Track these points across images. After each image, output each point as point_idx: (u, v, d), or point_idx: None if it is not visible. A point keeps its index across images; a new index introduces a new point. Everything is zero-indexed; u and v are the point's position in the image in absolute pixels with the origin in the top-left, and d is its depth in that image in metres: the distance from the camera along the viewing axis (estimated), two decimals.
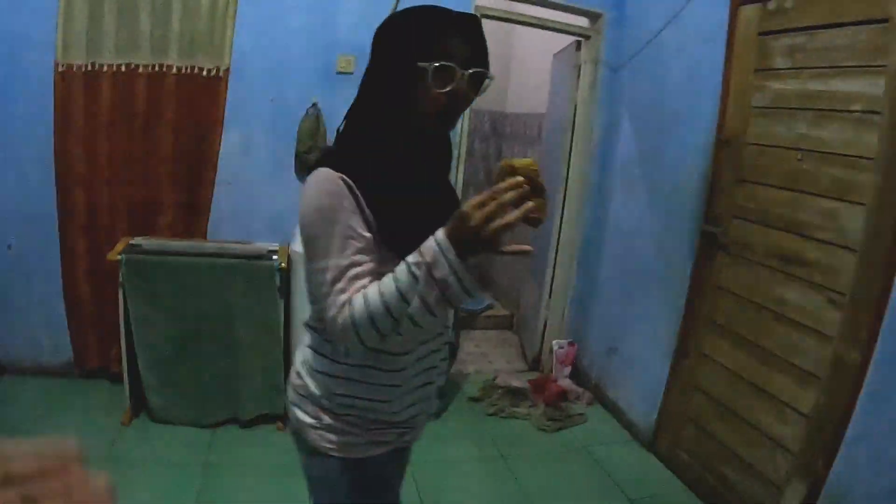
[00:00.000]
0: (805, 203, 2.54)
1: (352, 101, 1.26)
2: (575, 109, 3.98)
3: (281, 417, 3.11)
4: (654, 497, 2.97)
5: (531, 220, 1.03)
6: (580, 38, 3.90)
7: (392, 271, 1.10)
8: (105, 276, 3.14)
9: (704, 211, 3.06)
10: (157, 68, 3.09)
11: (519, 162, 1.05)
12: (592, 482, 3.03)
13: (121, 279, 2.83)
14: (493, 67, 1.24)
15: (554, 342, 3.99)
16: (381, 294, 1.08)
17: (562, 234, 4.10)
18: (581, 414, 3.60)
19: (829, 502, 2.34)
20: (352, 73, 3.37)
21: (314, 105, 3.32)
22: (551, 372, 4.01)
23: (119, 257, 2.81)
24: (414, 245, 1.08)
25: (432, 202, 1.22)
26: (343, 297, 1.12)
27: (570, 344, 4.02)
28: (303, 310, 3.02)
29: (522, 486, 2.92)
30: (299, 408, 1.37)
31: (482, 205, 0.99)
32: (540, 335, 4.24)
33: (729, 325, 2.92)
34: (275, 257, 3.01)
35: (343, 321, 1.12)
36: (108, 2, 3.00)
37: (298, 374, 1.39)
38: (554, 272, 4.17)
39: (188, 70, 3.12)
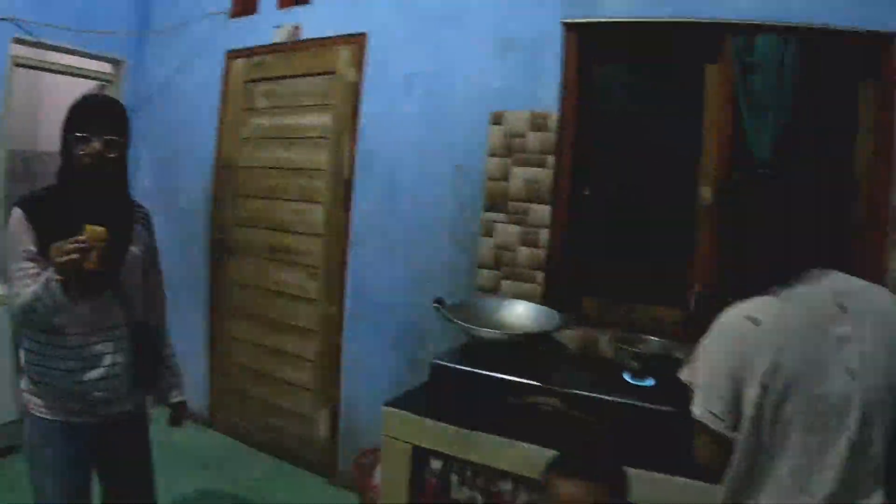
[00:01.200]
0: (283, 207, 3.43)
1: None
2: None
3: None
4: (221, 459, 3.49)
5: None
6: (105, 83, 4.12)
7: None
8: None
9: (212, 222, 3.76)
10: None
11: (87, 234, 1.54)
12: (170, 463, 3.19)
13: None
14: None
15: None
16: (28, 293, 1.61)
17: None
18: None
19: (346, 416, 3.24)
20: None
21: None
22: None
23: None
24: None
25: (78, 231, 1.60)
26: (14, 290, 1.67)
27: None
28: None
29: None
30: (21, 378, 1.82)
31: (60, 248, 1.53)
32: None
33: (244, 308, 3.65)
34: None
35: (13, 307, 1.69)
36: None
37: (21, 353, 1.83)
38: None
39: None
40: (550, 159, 2.58)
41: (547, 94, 2.61)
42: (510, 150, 2.64)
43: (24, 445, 1.85)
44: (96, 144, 1.67)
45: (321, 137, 3.25)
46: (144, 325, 1.89)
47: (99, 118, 1.70)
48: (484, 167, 2.73)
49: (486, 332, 2.23)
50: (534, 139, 2.60)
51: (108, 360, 1.78)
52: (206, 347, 3.85)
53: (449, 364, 2.16)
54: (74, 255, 1.51)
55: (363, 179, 3.11)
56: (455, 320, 2.25)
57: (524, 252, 2.64)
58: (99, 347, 1.77)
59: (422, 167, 2.94)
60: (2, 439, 3.14)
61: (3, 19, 3.48)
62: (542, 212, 2.60)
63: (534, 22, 2.66)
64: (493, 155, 2.69)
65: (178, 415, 2.11)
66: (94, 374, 1.76)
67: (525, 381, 2.03)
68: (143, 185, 4.17)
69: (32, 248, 1.66)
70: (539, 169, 2.59)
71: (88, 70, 4.09)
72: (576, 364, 2.40)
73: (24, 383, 1.81)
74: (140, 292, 1.89)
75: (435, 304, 2.37)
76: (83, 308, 1.71)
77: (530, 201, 2.61)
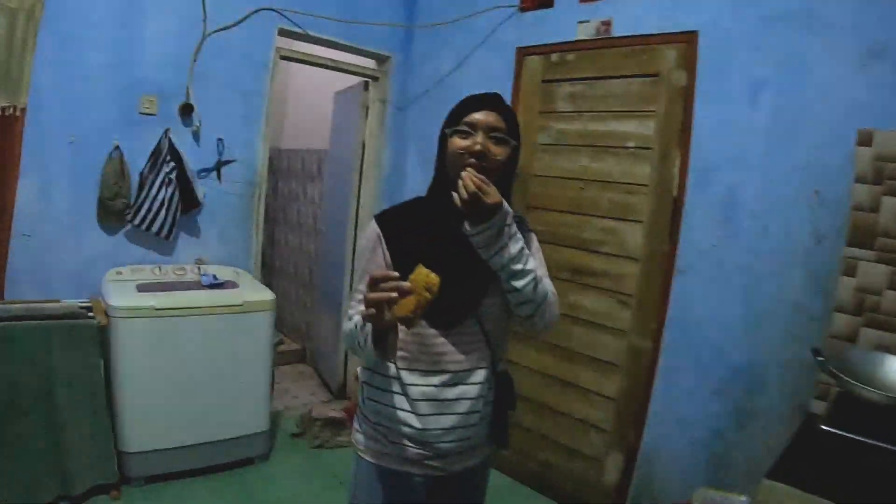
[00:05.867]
0: (589, 224, 3.06)
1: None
2: (363, 147, 4.13)
3: (114, 485, 2.75)
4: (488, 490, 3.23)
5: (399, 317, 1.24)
6: (367, 79, 4.08)
7: None
8: None
9: None
10: None
11: (414, 275, 1.24)
12: None
13: None
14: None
15: (358, 369, 4.09)
16: (349, 325, 1.45)
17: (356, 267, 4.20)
18: None
19: (644, 464, 2.88)
20: (155, 115, 3.14)
21: (116, 148, 3.03)
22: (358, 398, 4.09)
23: None
24: None
25: (438, 255, 1.35)
26: (350, 311, 1.48)
27: None
28: (128, 366, 2.76)
29: None
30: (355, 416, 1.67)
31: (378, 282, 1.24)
32: (342, 364, 4.30)
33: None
34: (90, 314, 2.73)
35: (343, 329, 1.53)
36: None
37: None
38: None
39: None
40: None
41: None
42: (881, 176, 2.18)
43: (350, 488, 1.66)
44: (479, 139, 1.41)
45: (641, 148, 2.84)
46: (506, 374, 1.62)
47: (485, 111, 1.44)
48: (848, 194, 2.27)
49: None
50: None
51: (464, 406, 1.49)
52: None
53: (852, 436, 1.73)
54: (384, 296, 1.21)
55: (695, 199, 2.68)
56: (845, 377, 1.85)
57: (891, 296, 2.17)
58: (455, 390, 1.48)
59: (769, 189, 2.50)
60: (247, 449, 3.20)
61: (269, 9, 3.47)
62: None
63: None
64: (860, 181, 2.22)
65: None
66: (444, 420, 1.48)
67: None
68: (412, 186, 4.04)
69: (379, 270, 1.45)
70: None
71: (351, 65, 4.01)
72: None
73: (356, 421, 1.63)
74: (507, 332, 1.61)
75: (818, 358, 2.00)
76: (437, 341, 1.46)
77: None
